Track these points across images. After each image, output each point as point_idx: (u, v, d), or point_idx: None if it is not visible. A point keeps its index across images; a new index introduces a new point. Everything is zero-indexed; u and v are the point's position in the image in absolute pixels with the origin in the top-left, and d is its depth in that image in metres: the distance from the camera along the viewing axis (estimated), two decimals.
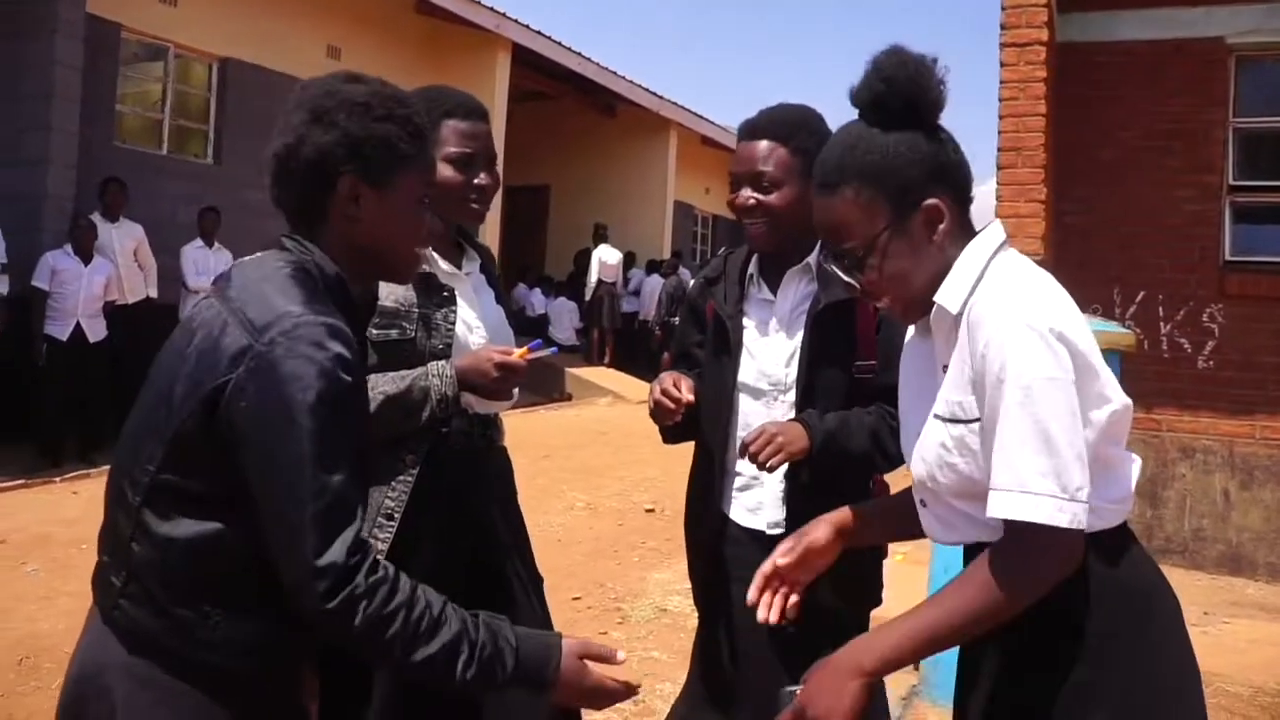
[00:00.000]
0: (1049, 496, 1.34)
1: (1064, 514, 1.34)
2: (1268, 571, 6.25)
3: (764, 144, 2.22)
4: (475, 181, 2.17)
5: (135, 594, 1.41)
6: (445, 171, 2.11)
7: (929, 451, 1.51)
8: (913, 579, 3.78)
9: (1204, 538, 6.42)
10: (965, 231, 1.52)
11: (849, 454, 2.15)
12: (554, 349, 2.16)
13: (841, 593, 2.10)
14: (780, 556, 1.68)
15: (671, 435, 2.35)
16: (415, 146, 1.55)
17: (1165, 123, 6.58)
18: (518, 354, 2.10)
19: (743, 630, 2.27)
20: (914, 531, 1.72)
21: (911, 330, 1.67)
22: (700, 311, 2.43)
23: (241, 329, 1.38)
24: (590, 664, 1.51)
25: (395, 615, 1.34)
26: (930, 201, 1.48)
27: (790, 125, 2.23)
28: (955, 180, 1.51)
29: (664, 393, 2.16)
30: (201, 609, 1.40)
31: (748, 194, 2.23)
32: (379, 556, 1.38)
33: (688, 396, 2.16)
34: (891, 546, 3.83)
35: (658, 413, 2.20)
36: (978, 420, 1.43)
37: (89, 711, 1.44)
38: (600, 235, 14.86)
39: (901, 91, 1.48)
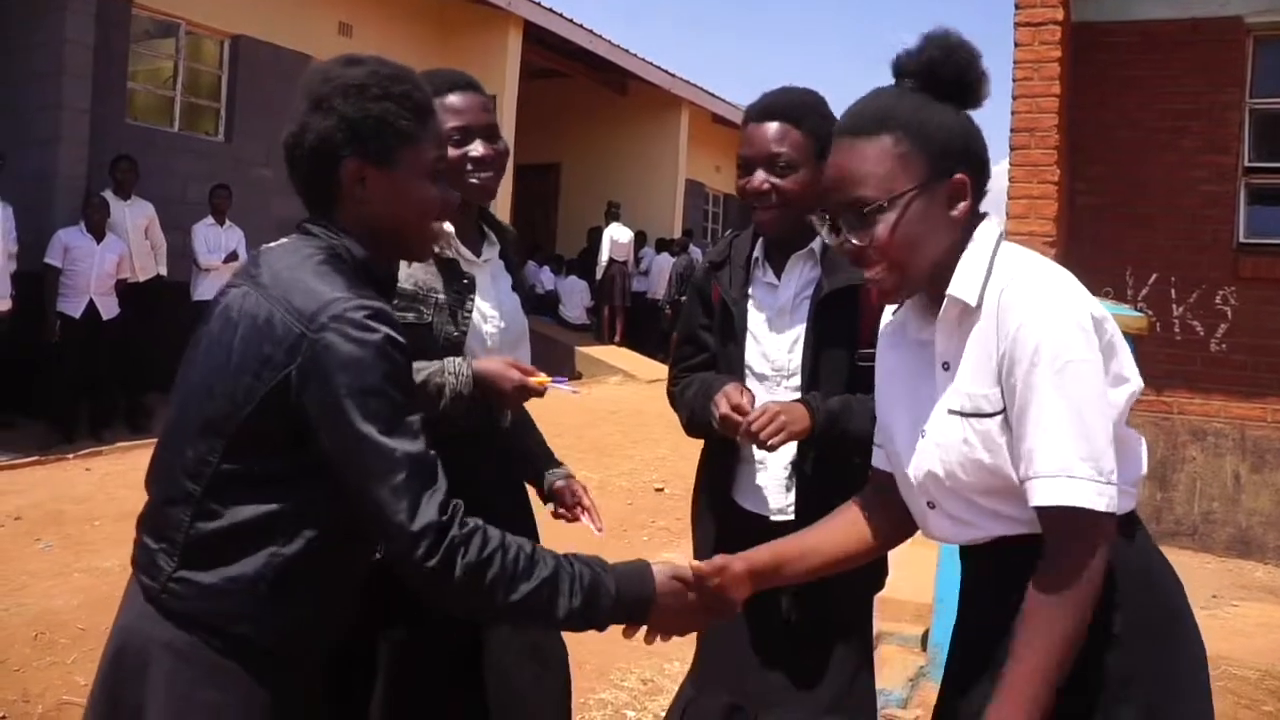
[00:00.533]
0: (1089, 480, 1.33)
1: (1102, 498, 1.34)
2: (1277, 555, 6.23)
3: (777, 126, 2.18)
4: (470, 154, 2.13)
5: (188, 577, 1.45)
6: None
7: (949, 450, 1.47)
8: (923, 561, 3.79)
9: (1214, 521, 6.41)
10: (974, 221, 1.51)
11: (851, 435, 2.12)
12: (575, 392, 2.18)
13: (841, 577, 2.11)
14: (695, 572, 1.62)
15: (700, 429, 2.33)
16: (416, 123, 1.55)
17: (1181, 103, 6.52)
18: (538, 380, 2.10)
19: (747, 612, 2.28)
20: (839, 562, 1.72)
21: (887, 328, 1.65)
22: (706, 294, 2.41)
23: (290, 318, 1.42)
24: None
25: (492, 559, 1.42)
26: (960, 176, 1.47)
27: (801, 108, 2.20)
28: (980, 167, 1.50)
29: (734, 408, 2.10)
30: (254, 593, 1.44)
31: (762, 177, 2.19)
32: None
33: (750, 408, 2.12)
34: None
35: (726, 427, 2.13)
36: (1003, 412, 1.41)
37: (128, 690, 1.46)
38: (612, 214, 14.84)
39: (957, 64, 1.48)
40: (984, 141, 1.51)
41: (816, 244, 2.24)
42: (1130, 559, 1.45)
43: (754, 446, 2.13)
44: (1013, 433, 1.39)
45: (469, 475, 2.17)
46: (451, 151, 2.09)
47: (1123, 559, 1.43)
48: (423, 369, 2.02)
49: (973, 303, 1.44)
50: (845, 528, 1.73)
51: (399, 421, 1.39)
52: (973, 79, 1.49)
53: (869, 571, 2.29)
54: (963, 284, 1.45)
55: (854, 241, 1.48)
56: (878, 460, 1.73)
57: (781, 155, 2.17)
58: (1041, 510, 1.36)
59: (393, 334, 1.42)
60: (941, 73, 1.48)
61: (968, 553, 1.58)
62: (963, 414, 1.45)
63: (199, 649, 1.43)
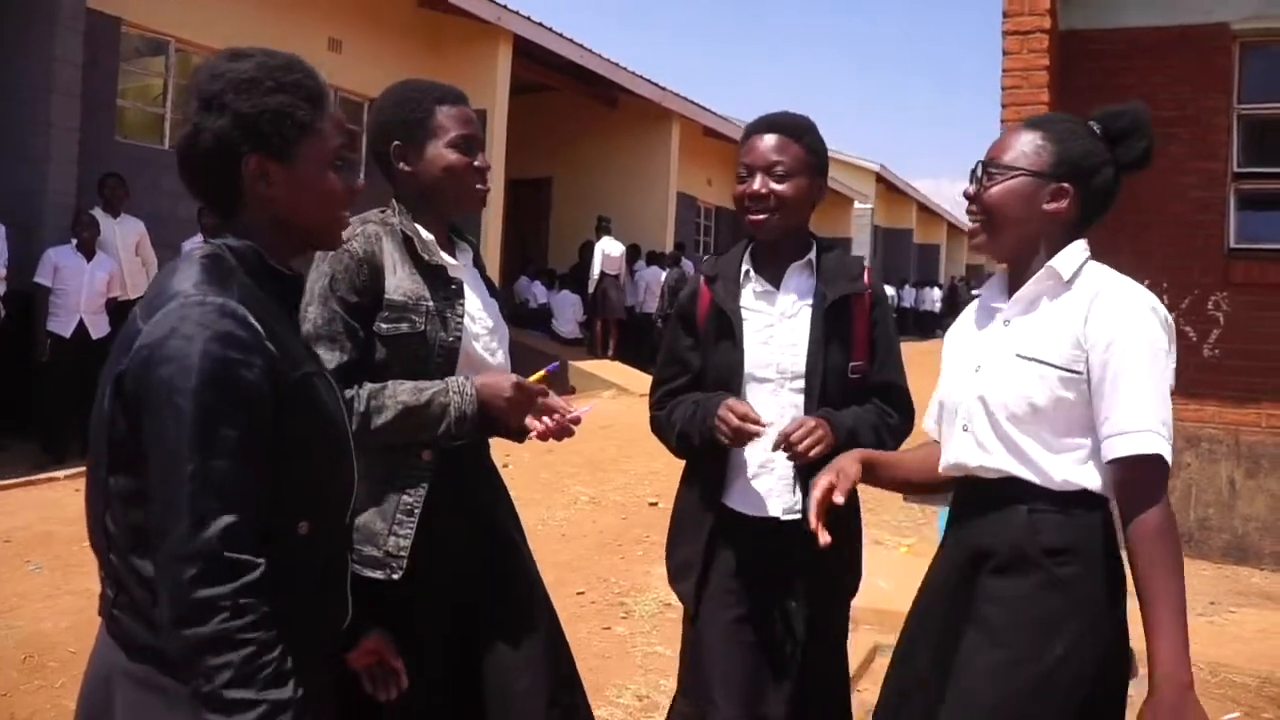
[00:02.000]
0: (1168, 440, 1.72)
1: (1172, 456, 1.73)
2: (1273, 561, 6.22)
3: (779, 138, 2.34)
4: (476, 164, 2.21)
5: (124, 602, 1.41)
6: (450, 156, 2.17)
7: (1004, 384, 1.82)
8: (918, 570, 3.77)
9: (1209, 527, 6.40)
10: (1077, 233, 1.90)
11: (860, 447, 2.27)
12: (554, 365, 2.37)
13: (828, 580, 2.35)
14: (839, 495, 1.96)
15: (691, 448, 2.39)
16: (313, 111, 1.50)
17: (1169, 110, 6.52)
18: (534, 378, 2.18)
19: (749, 618, 2.35)
20: (915, 485, 2.16)
21: (986, 290, 2.01)
22: (690, 314, 2.48)
23: (141, 316, 1.38)
24: None
25: (246, 643, 1.27)
26: (1067, 185, 1.87)
27: (801, 127, 2.38)
28: (1090, 193, 1.89)
29: (745, 418, 2.20)
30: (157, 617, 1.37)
31: (762, 180, 2.32)
32: (260, 574, 1.31)
33: (761, 416, 2.22)
34: (897, 539, 3.83)
35: (739, 438, 2.22)
36: (1068, 371, 1.77)
37: (100, 717, 1.42)
38: (604, 228, 14.85)
39: (1136, 120, 1.89)
40: (1109, 186, 1.90)
41: (813, 255, 2.39)
42: (1098, 525, 1.80)
43: (747, 451, 2.27)
44: (1093, 393, 1.76)
45: (460, 488, 2.18)
46: (461, 158, 2.17)
47: (1095, 524, 1.79)
48: (426, 389, 2.04)
49: (1065, 276, 1.84)
50: (923, 459, 2.12)
51: (213, 430, 1.30)
52: (1138, 143, 1.89)
53: (850, 574, 2.44)
54: (1063, 262, 1.85)
55: (975, 189, 1.92)
56: (928, 425, 2.13)
57: (781, 163, 2.32)
58: (1130, 460, 1.71)
59: (233, 332, 1.34)
60: (1117, 122, 1.90)
61: (966, 485, 1.95)
62: (1030, 359, 1.81)
63: (153, 675, 1.37)
